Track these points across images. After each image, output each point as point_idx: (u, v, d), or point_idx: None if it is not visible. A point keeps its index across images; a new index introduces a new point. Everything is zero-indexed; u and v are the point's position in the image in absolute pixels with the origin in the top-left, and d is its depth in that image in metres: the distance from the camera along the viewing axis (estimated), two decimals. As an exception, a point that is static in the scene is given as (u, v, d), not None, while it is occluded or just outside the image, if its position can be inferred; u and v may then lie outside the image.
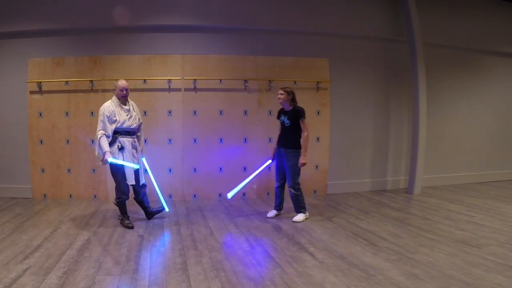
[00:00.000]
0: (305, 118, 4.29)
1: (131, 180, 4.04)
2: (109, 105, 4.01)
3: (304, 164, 4.29)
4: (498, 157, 7.17)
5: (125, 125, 4.02)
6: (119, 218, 4.22)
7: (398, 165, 6.38)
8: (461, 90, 6.73)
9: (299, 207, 4.43)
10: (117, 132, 3.99)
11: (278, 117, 4.51)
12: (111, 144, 3.94)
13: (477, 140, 6.97)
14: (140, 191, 4.21)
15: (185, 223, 4.27)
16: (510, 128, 7.25)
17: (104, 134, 3.92)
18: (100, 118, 3.94)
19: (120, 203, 4.10)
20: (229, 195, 4.67)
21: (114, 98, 4.08)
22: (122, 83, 4.07)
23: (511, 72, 7.16)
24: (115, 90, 4.08)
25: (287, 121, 4.34)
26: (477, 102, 6.90)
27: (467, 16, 6.55)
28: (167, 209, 4.52)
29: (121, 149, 3.98)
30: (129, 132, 4.06)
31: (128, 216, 4.17)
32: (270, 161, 4.62)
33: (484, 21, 6.68)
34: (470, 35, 6.60)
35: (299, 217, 4.39)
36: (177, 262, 3.13)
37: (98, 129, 3.94)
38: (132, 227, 4.03)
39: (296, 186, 4.36)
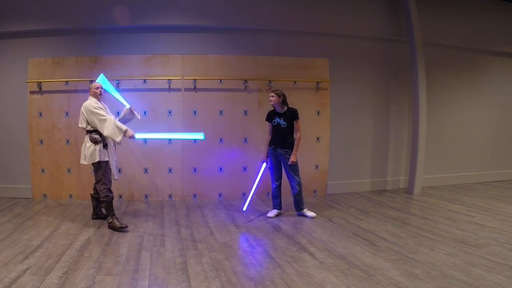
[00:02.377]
0: (299, 119, 4.42)
1: (116, 175, 4.16)
2: (94, 103, 4.02)
3: (294, 162, 4.38)
4: (498, 157, 7.17)
5: None
6: (108, 222, 4.02)
7: (398, 165, 6.38)
8: (461, 90, 6.73)
9: (303, 204, 4.56)
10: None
11: (269, 120, 4.55)
12: (96, 143, 3.98)
13: (477, 140, 6.97)
14: None
15: (185, 223, 4.27)
16: (510, 128, 7.25)
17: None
18: (96, 111, 3.92)
19: (109, 201, 4.03)
20: (244, 208, 4.80)
21: (92, 98, 4.09)
22: (96, 83, 4.17)
23: (511, 72, 7.16)
24: (90, 90, 4.13)
25: (283, 122, 4.39)
26: (477, 102, 6.91)
27: (467, 16, 6.56)
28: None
29: (105, 146, 4.03)
30: None
31: (117, 217, 4.07)
32: (265, 164, 4.64)
33: (484, 21, 6.68)
34: (470, 35, 6.60)
35: (310, 212, 4.56)
36: (177, 262, 3.13)
37: (101, 116, 3.90)
38: (126, 227, 3.95)
39: (300, 182, 4.48)
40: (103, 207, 4.14)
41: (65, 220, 4.30)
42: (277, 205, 4.61)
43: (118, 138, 3.91)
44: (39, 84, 5.24)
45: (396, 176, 6.39)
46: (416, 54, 5.77)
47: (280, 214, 4.63)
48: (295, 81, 5.65)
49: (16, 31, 5.23)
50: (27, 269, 2.89)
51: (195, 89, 5.46)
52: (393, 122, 6.29)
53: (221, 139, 5.57)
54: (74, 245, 3.47)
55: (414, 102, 5.89)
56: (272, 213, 4.58)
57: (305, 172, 5.77)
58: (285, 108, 4.43)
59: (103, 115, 3.93)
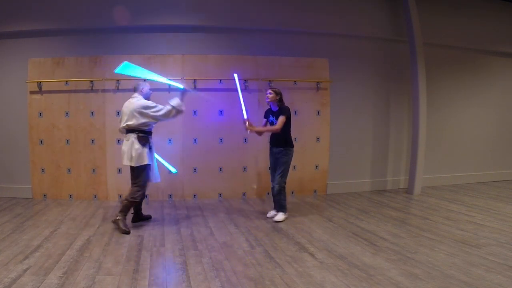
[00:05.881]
0: (286, 116, 4.27)
1: (158, 178, 4.19)
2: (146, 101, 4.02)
3: (247, 126, 4.37)
4: (498, 157, 7.17)
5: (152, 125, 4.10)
6: (116, 218, 3.91)
7: (398, 165, 6.38)
8: (461, 90, 6.73)
9: (281, 206, 4.40)
10: (148, 132, 4.04)
11: (266, 117, 4.53)
12: (144, 144, 3.93)
13: (477, 140, 6.97)
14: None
15: (185, 223, 4.27)
16: (510, 128, 7.26)
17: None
18: (150, 104, 3.92)
19: (133, 203, 4.01)
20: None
21: (141, 98, 4.04)
22: (148, 85, 4.20)
23: (511, 72, 7.16)
24: (142, 89, 4.09)
25: (275, 121, 4.36)
26: (477, 102, 6.91)
27: (467, 16, 6.56)
28: (174, 170, 4.79)
29: (150, 149, 4.04)
30: (151, 132, 4.14)
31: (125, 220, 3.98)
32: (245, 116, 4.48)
33: (484, 21, 6.68)
34: (470, 35, 6.60)
35: (280, 216, 4.38)
36: (177, 262, 3.13)
37: (159, 107, 3.93)
38: (129, 232, 3.83)
39: (282, 184, 4.33)
40: (124, 204, 3.97)
41: (65, 220, 4.29)
42: (277, 205, 4.60)
43: (174, 113, 3.99)
44: (39, 84, 5.24)
45: (396, 176, 6.39)
46: (416, 54, 5.77)
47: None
48: (295, 81, 5.65)
49: (16, 31, 5.23)
50: (27, 269, 2.89)
51: (195, 89, 5.46)
52: (393, 122, 6.29)
53: (221, 139, 5.57)
54: (74, 245, 3.47)
55: (414, 102, 5.89)
56: (272, 213, 4.57)
57: (305, 172, 5.78)
58: (280, 106, 4.42)
59: (158, 106, 3.96)
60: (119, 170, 5.37)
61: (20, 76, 5.25)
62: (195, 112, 5.49)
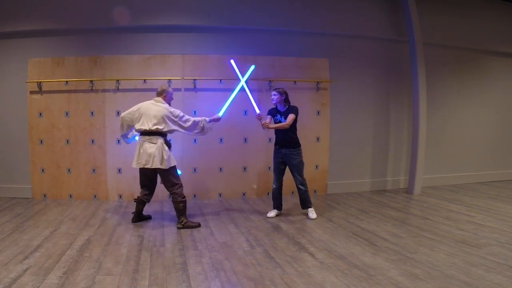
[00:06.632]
0: (295, 115, 4.33)
1: None
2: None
3: (260, 119, 4.43)
4: (498, 157, 7.17)
5: None
6: (182, 223, 4.05)
7: (398, 165, 6.38)
8: (461, 90, 6.73)
9: (309, 202, 4.50)
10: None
11: (270, 115, 4.51)
12: (170, 147, 4.09)
13: (477, 140, 6.97)
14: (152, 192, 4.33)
15: (185, 223, 4.27)
16: (510, 128, 7.25)
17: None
18: (179, 113, 4.08)
19: (185, 202, 4.11)
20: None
21: (165, 103, 4.11)
22: (172, 91, 4.30)
23: (511, 72, 7.16)
24: (166, 96, 4.15)
25: (283, 121, 4.36)
26: (477, 102, 6.90)
27: (467, 16, 6.56)
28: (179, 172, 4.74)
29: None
30: None
31: None
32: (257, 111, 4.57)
33: (484, 21, 6.68)
34: (470, 35, 6.60)
35: (313, 212, 4.49)
36: (177, 262, 3.13)
37: (187, 118, 4.11)
38: (199, 225, 4.13)
39: (304, 182, 4.44)
40: (179, 208, 4.07)
41: (65, 220, 4.30)
42: (277, 205, 4.60)
43: (199, 128, 4.21)
44: (39, 84, 5.24)
45: (396, 176, 6.39)
46: (416, 54, 5.77)
47: (280, 215, 4.63)
48: (295, 81, 5.65)
49: (16, 31, 5.23)
50: (27, 269, 2.89)
51: (195, 89, 5.46)
52: (393, 122, 6.29)
53: (221, 139, 5.57)
54: (74, 245, 3.47)
55: (414, 102, 5.89)
56: (272, 213, 4.57)
57: (305, 172, 5.73)
58: (287, 106, 4.42)
59: (186, 117, 4.15)
60: (119, 170, 5.37)
61: (20, 76, 5.25)
62: (195, 112, 5.48)
